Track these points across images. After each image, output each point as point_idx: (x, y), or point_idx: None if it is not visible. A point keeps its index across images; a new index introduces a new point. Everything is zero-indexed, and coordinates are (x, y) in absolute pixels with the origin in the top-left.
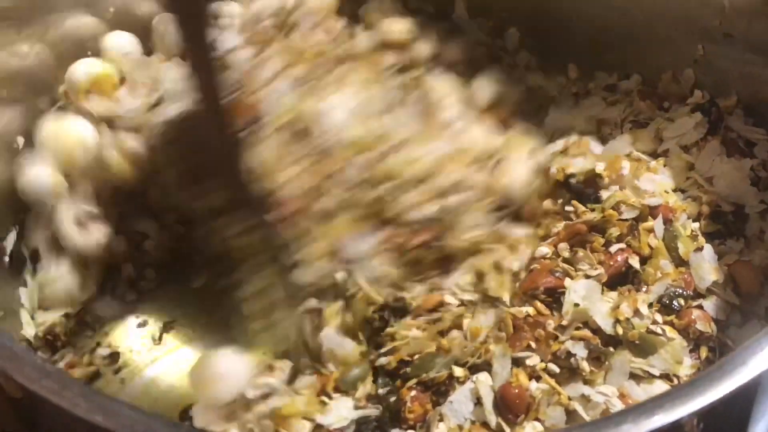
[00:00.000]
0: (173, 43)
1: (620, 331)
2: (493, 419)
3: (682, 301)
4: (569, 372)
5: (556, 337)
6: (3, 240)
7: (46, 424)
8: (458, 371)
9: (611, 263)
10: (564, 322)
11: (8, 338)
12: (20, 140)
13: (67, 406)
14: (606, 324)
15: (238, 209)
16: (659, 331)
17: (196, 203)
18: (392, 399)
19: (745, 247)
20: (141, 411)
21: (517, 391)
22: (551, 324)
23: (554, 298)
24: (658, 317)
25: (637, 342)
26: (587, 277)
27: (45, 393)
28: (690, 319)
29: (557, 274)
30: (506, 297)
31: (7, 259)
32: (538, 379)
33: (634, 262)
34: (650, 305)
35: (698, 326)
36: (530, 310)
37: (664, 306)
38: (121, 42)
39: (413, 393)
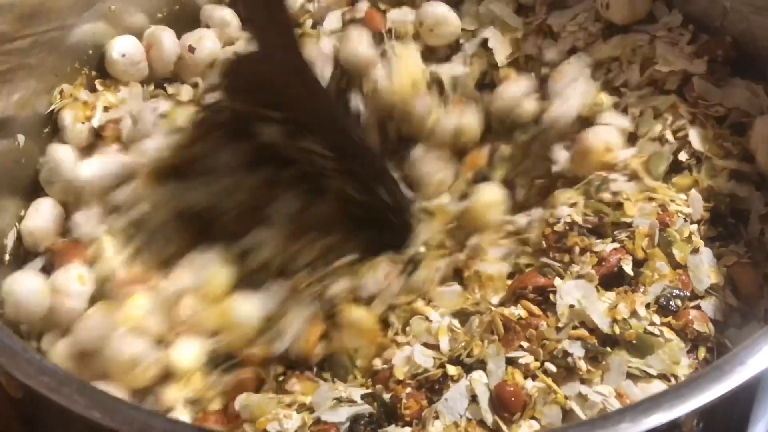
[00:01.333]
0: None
1: (617, 330)
2: (489, 417)
3: (679, 302)
4: (566, 371)
5: (550, 338)
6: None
7: (46, 423)
8: (452, 369)
9: (603, 263)
10: (560, 324)
11: (6, 335)
12: (21, 138)
13: (65, 402)
14: (603, 323)
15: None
16: (656, 332)
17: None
18: (387, 396)
19: (744, 250)
20: (139, 408)
21: (512, 389)
22: (544, 324)
23: (544, 297)
24: (656, 318)
25: (634, 342)
26: (578, 277)
27: (43, 389)
28: (687, 320)
29: (548, 275)
30: (494, 298)
31: (7, 257)
32: (534, 377)
33: (627, 263)
34: (647, 306)
35: (696, 327)
36: (522, 312)
37: (661, 307)
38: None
39: (408, 390)
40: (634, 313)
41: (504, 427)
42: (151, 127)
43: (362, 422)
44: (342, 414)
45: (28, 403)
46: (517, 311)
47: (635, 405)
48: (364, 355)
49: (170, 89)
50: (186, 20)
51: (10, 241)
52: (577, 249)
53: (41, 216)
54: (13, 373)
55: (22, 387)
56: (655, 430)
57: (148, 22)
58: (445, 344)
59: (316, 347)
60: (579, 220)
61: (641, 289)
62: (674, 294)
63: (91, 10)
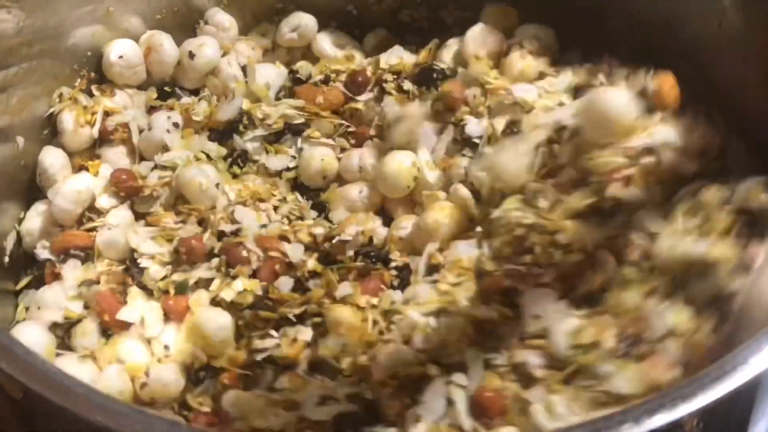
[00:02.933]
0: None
1: (573, 355)
2: (466, 422)
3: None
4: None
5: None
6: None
7: (46, 424)
8: (432, 369)
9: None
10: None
11: (8, 337)
12: (20, 140)
13: (67, 405)
14: (560, 345)
15: None
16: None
17: None
18: (370, 396)
19: None
20: (141, 410)
21: (491, 394)
22: (511, 328)
23: (511, 300)
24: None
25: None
26: (540, 285)
27: (45, 392)
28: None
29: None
30: (466, 299)
31: (6, 259)
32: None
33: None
34: (617, 336)
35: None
36: (494, 314)
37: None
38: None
39: (390, 390)
40: (598, 344)
41: None
42: (164, 135)
43: (347, 421)
44: (327, 412)
45: (28, 404)
46: (489, 312)
47: (638, 405)
48: (352, 352)
49: (185, 99)
50: (184, 23)
51: (9, 244)
52: (538, 249)
53: (41, 218)
54: (14, 375)
55: (22, 388)
56: (657, 430)
57: (146, 25)
58: (419, 342)
59: (301, 353)
60: (533, 220)
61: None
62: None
63: (89, 11)
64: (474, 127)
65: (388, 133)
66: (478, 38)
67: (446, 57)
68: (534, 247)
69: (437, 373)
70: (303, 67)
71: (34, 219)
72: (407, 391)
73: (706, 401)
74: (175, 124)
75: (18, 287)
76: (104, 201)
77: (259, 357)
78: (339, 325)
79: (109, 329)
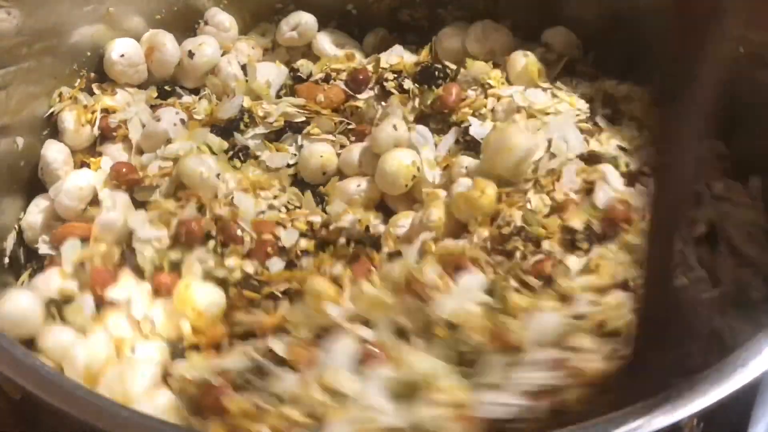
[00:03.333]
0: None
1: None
2: (342, 372)
3: None
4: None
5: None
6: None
7: (45, 425)
8: (345, 323)
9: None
10: None
11: (7, 341)
12: (20, 141)
13: (66, 408)
14: (439, 318)
15: None
16: None
17: None
18: (281, 353)
19: None
20: (139, 413)
21: (371, 348)
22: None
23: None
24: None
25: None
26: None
27: (44, 395)
28: None
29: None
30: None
31: (6, 260)
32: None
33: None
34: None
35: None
36: (437, 280)
37: None
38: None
39: (292, 338)
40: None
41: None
42: (170, 128)
43: (251, 367)
44: (237, 363)
45: (27, 404)
46: (431, 274)
47: (637, 408)
48: (310, 323)
49: (186, 98)
50: (184, 23)
51: (9, 244)
52: (518, 254)
53: (42, 213)
54: (14, 379)
55: (20, 389)
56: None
57: (146, 25)
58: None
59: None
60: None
61: None
62: None
63: (89, 11)
64: (478, 128)
65: (374, 132)
66: (480, 34)
67: (445, 48)
68: (515, 252)
69: (349, 327)
70: (304, 65)
71: (35, 214)
72: (316, 341)
73: (705, 404)
74: (183, 121)
75: (19, 282)
76: (106, 195)
77: (237, 329)
78: (313, 295)
79: (101, 303)
